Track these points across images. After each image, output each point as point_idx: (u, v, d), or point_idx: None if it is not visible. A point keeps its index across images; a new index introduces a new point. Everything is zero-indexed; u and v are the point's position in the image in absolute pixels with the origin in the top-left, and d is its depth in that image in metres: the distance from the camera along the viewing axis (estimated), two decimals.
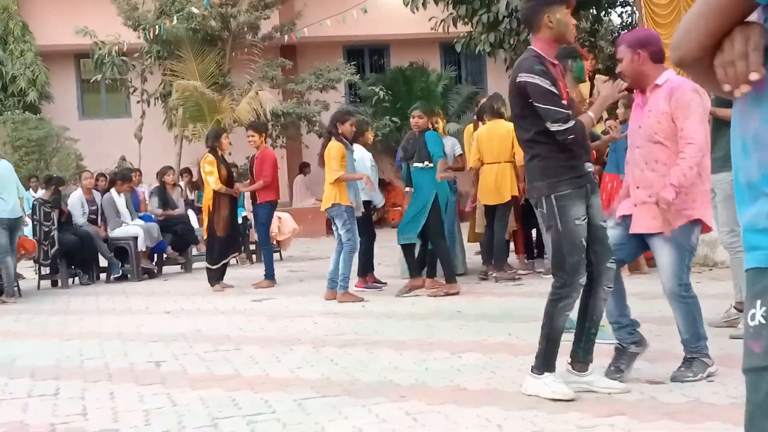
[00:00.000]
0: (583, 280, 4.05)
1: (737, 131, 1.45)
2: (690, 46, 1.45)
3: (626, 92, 4.47)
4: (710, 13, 1.41)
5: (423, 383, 4.56)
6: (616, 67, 4.52)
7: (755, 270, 1.39)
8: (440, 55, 20.90)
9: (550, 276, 4.23)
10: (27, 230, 10.90)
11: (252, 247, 12.38)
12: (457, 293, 7.79)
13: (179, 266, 11.93)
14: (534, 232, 9.13)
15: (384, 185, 16.46)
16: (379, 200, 8.94)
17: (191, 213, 12.41)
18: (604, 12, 15.38)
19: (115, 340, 6.51)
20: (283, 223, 12.02)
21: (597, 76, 10.98)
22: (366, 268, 8.72)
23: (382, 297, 8.08)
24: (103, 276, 11.13)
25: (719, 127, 5.18)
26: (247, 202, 11.62)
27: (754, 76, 1.35)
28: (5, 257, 9.15)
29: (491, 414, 3.86)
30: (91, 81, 18.52)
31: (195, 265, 11.73)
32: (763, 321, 1.35)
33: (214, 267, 9.37)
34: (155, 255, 11.56)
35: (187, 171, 14.77)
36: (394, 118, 17.54)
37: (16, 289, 9.58)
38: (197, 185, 13.27)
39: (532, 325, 4.72)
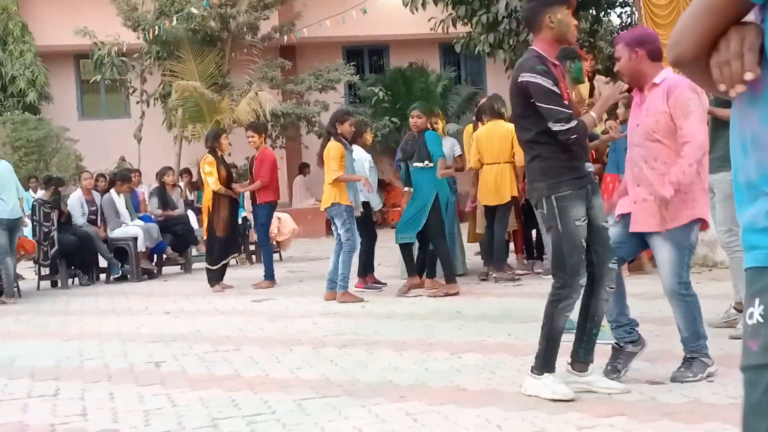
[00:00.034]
0: (583, 281, 4.05)
1: (736, 131, 1.46)
2: (686, 46, 1.45)
3: (627, 93, 4.47)
4: (706, 13, 1.42)
5: (423, 383, 4.56)
6: (624, 79, 4.52)
7: (754, 269, 1.40)
8: (440, 55, 20.90)
9: (550, 277, 4.23)
10: (27, 231, 10.89)
11: (252, 247, 12.38)
12: (456, 294, 7.79)
13: (179, 267, 11.93)
14: (534, 232, 9.14)
15: (384, 186, 16.46)
16: (376, 203, 8.92)
17: (191, 213, 12.41)
18: (603, 12, 15.38)
19: (114, 340, 6.51)
20: (282, 223, 12.02)
21: (597, 76, 10.99)
22: (366, 268, 8.72)
23: (382, 297, 8.08)
24: (102, 276, 11.13)
25: (718, 127, 5.19)
26: (247, 202, 11.62)
27: (748, 76, 1.36)
28: (5, 258, 9.15)
29: (491, 414, 3.86)
30: (91, 81, 18.52)
31: (195, 265, 11.73)
32: (761, 319, 1.35)
33: (214, 267, 9.37)
34: (155, 255, 11.56)
35: (187, 171, 14.78)
36: (394, 119, 17.54)
37: (15, 289, 9.58)
38: (197, 186, 13.28)
39: (532, 326, 4.72)
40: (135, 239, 10.85)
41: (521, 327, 5.91)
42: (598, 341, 4.26)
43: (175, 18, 16.55)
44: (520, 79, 4.00)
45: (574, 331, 4.24)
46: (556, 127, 3.93)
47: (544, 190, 4.02)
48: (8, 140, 16.76)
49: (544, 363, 4.06)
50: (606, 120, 6.64)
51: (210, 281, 9.39)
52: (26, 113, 17.57)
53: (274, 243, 11.44)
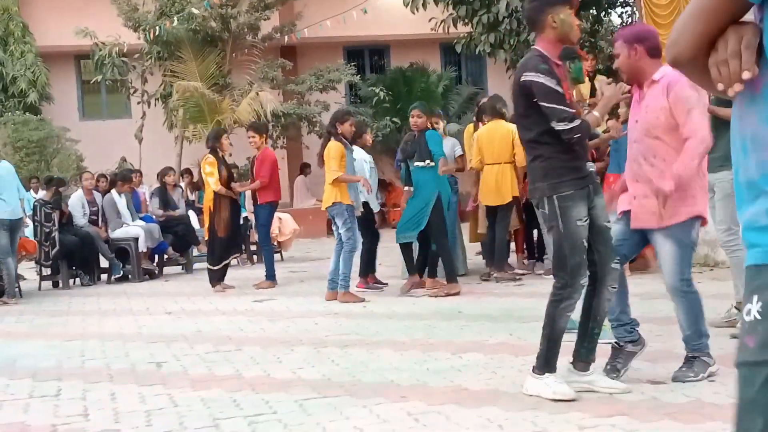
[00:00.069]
0: (584, 281, 4.05)
1: (736, 131, 1.46)
2: (684, 46, 1.46)
3: (628, 93, 4.46)
4: (704, 13, 1.42)
5: (424, 383, 4.56)
6: (623, 77, 4.52)
7: (754, 267, 1.40)
8: (440, 55, 20.90)
9: (551, 277, 4.23)
10: (28, 231, 10.91)
11: (253, 247, 12.39)
12: (458, 293, 7.79)
13: (180, 267, 11.94)
14: (535, 232, 9.14)
15: (385, 186, 16.46)
16: (374, 205, 8.87)
17: (192, 214, 12.42)
18: (604, 12, 15.37)
19: (116, 340, 6.52)
20: (283, 224, 12.02)
21: (598, 76, 10.99)
22: (367, 268, 8.72)
23: (383, 297, 8.08)
24: (104, 277, 11.13)
25: (718, 126, 5.18)
26: (248, 203, 11.62)
27: (746, 75, 1.36)
28: (6, 258, 9.16)
29: (492, 414, 3.86)
30: (92, 82, 18.53)
31: (196, 265, 11.74)
32: (758, 317, 1.36)
33: (215, 268, 9.37)
34: (156, 256, 11.57)
35: (188, 172, 14.78)
36: (395, 119, 17.54)
37: (17, 290, 9.58)
38: (198, 186, 13.28)
39: (533, 326, 4.72)
40: (136, 239, 10.86)
41: (522, 327, 5.91)
42: (599, 340, 4.26)
43: (175, 18, 16.55)
44: (522, 79, 4.00)
45: (576, 330, 4.24)
46: (559, 126, 3.92)
47: (546, 189, 4.02)
48: (9, 141, 16.77)
49: (546, 363, 4.06)
50: (607, 120, 6.65)
51: (211, 281, 9.39)
52: (27, 114, 17.58)
53: (275, 243, 11.45)
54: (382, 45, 21.03)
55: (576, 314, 4.19)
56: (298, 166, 18.61)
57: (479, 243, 9.54)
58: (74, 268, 10.78)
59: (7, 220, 9.10)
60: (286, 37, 18.35)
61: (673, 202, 4.16)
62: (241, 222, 11.09)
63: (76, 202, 11.00)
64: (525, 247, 9.43)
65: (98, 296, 9.60)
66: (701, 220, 4.31)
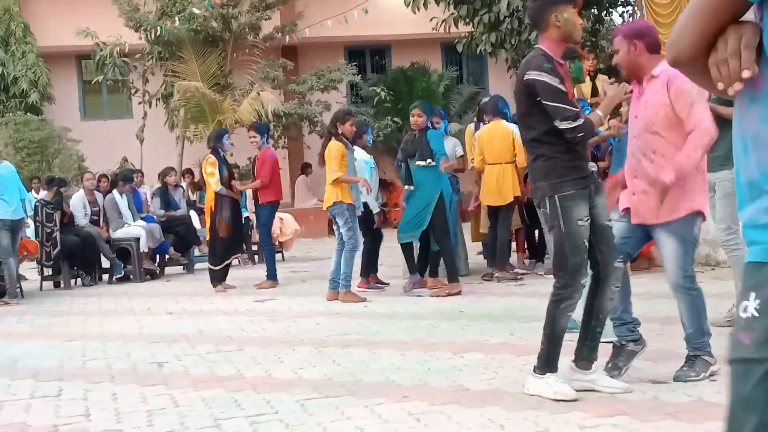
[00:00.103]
0: (584, 280, 4.05)
1: (737, 131, 1.47)
2: (684, 46, 1.46)
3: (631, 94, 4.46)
4: (703, 12, 1.43)
5: (425, 383, 4.56)
6: (622, 73, 4.51)
7: (752, 264, 1.41)
8: (441, 55, 20.89)
9: (552, 276, 4.23)
10: (29, 231, 10.92)
11: (254, 247, 12.39)
12: (459, 293, 7.79)
13: (181, 267, 11.94)
14: (536, 232, 9.13)
15: (386, 186, 16.46)
16: (374, 206, 8.83)
17: (193, 214, 12.42)
18: (605, 12, 15.36)
19: (117, 340, 6.52)
20: (284, 224, 12.02)
21: (599, 75, 10.99)
22: (368, 268, 8.72)
23: (385, 297, 8.08)
24: (105, 277, 11.14)
25: (719, 125, 5.17)
26: (249, 203, 11.62)
27: (746, 74, 1.36)
28: (8, 259, 9.17)
29: (494, 414, 3.86)
30: (93, 82, 18.54)
31: (197, 265, 11.75)
32: (755, 314, 1.37)
33: (217, 268, 9.37)
34: (157, 256, 11.57)
35: (189, 172, 14.78)
36: (396, 119, 17.54)
37: (18, 290, 9.59)
38: (199, 186, 13.29)
39: (535, 325, 4.72)
40: (137, 240, 10.86)
41: (524, 326, 5.91)
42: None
43: (177, 18, 16.56)
44: (526, 77, 3.99)
45: (577, 330, 4.24)
46: (563, 125, 3.92)
47: (547, 189, 4.01)
48: (11, 141, 16.78)
49: (547, 363, 4.06)
50: (609, 119, 6.65)
51: (212, 281, 9.39)
52: (28, 114, 17.60)
53: (277, 243, 11.45)
54: (383, 45, 21.03)
55: (577, 314, 4.18)
56: (299, 166, 18.61)
57: (480, 243, 9.53)
58: (75, 268, 10.79)
59: (9, 221, 9.11)
60: (287, 36, 18.35)
61: (673, 197, 4.16)
62: (243, 222, 11.09)
63: (78, 202, 11.00)
64: (526, 246, 9.43)
65: (99, 296, 9.61)
66: (702, 216, 4.30)
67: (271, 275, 9.44)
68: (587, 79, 10.78)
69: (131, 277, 10.95)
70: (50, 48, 18.58)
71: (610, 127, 5.07)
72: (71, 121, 18.92)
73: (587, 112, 4.37)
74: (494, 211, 8.65)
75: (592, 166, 4.16)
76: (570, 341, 4.20)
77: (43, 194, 12.01)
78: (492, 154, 8.51)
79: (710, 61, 1.42)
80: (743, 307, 1.39)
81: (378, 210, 8.71)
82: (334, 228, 8.28)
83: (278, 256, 11.44)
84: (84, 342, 6.54)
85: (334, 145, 7.99)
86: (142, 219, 11.40)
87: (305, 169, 18.09)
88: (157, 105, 18.07)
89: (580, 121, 3.92)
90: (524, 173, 8.25)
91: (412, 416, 3.92)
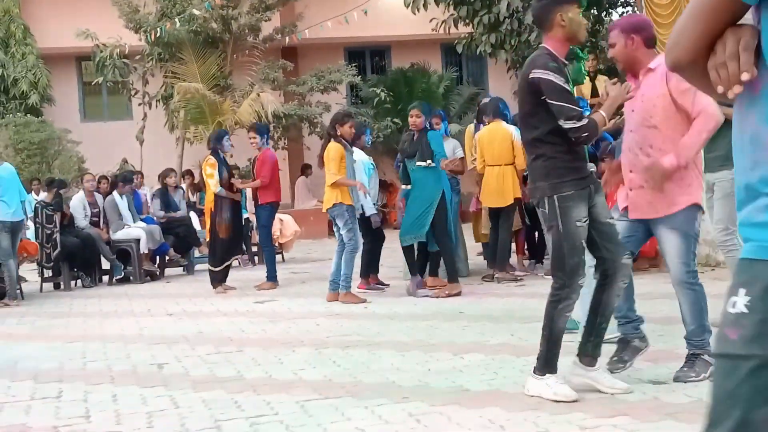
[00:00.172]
0: (582, 281, 4.05)
1: (737, 133, 1.47)
2: (683, 50, 1.46)
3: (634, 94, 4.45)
4: (701, 15, 1.43)
5: (425, 384, 4.56)
6: (618, 67, 4.51)
7: (745, 260, 1.42)
8: (441, 56, 20.90)
9: (551, 277, 4.23)
10: (29, 233, 10.92)
11: (254, 248, 12.38)
12: (459, 294, 7.78)
13: (181, 268, 11.94)
14: (536, 233, 9.13)
15: (386, 187, 16.46)
16: (369, 208, 8.78)
17: (193, 215, 12.42)
18: (605, 12, 15.36)
19: (117, 342, 6.52)
20: (284, 225, 12.02)
21: (598, 76, 10.98)
22: (368, 269, 8.72)
23: (385, 298, 8.07)
24: (105, 278, 11.14)
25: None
26: (249, 204, 11.62)
27: (745, 76, 1.37)
28: (8, 260, 9.17)
29: (494, 415, 3.86)
30: (93, 83, 18.53)
31: (197, 267, 11.74)
32: (744, 310, 1.38)
33: (217, 269, 9.37)
34: (157, 257, 11.57)
35: (189, 173, 14.78)
36: (396, 120, 17.55)
37: (18, 292, 9.59)
38: (199, 187, 13.28)
39: (535, 326, 4.71)
40: (137, 241, 10.86)
41: (524, 327, 5.90)
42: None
43: (176, 20, 16.56)
44: (531, 76, 3.97)
45: (576, 331, 4.24)
46: (567, 124, 3.90)
47: (547, 189, 4.01)
48: (10, 142, 16.78)
49: (546, 364, 4.05)
50: (610, 120, 6.64)
51: (213, 283, 9.39)
52: (28, 115, 17.59)
53: (277, 244, 11.44)
54: (383, 46, 21.03)
55: (576, 314, 4.18)
56: (299, 167, 18.61)
57: (480, 243, 9.53)
58: (75, 269, 10.79)
59: (9, 222, 9.10)
60: (287, 38, 18.35)
61: (671, 192, 4.17)
62: (243, 223, 11.09)
63: (78, 203, 11.00)
64: (527, 248, 9.43)
65: (99, 298, 9.61)
66: (701, 210, 4.30)
67: (271, 276, 9.44)
68: (587, 80, 10.77)
69: (131, 278, 10.95)
70: (50, 49, 18.58)
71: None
72: (71, 122, 18.92)
73: (587, 112, 4.37)
74: (495, 213, 8.65)
75: (591, 167, 4.15)
76: (570, 342, 4.20)
77: (43, 196, 12.01)
78: (492, 155, 8.51)
79: (709, 65, 1.42)
80: (732, 302, 1.40)
81: (374, 212, 8.65)
82: (335, 229, 8.27)
83: (278, 257, 11.44)
84: (84, 343, 6.54)
85: (333, 147, 7.99)
86: (142, 220, 11.40)
87: (305, 170, 18.10)
88: (157, 106, 18.07)
89: (585, 122, 3.91)
90: (523, 175, 8.25)
91: (413, 417, 3.92)
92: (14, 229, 9.27)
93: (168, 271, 11.75)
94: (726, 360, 1.39)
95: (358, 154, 8.56)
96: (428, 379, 4.65)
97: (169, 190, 12.11)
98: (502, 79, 17.69)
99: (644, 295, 6.36)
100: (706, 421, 1.42)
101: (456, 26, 13.81)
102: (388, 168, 16.53)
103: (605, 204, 4.19)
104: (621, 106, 4.31)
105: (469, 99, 19.12)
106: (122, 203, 11.09)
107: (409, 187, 8.07)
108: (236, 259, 10.37)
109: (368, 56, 21.39)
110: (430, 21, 14.13)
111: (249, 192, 11.06)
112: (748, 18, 1.42)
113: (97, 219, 11.05)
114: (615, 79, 8.66)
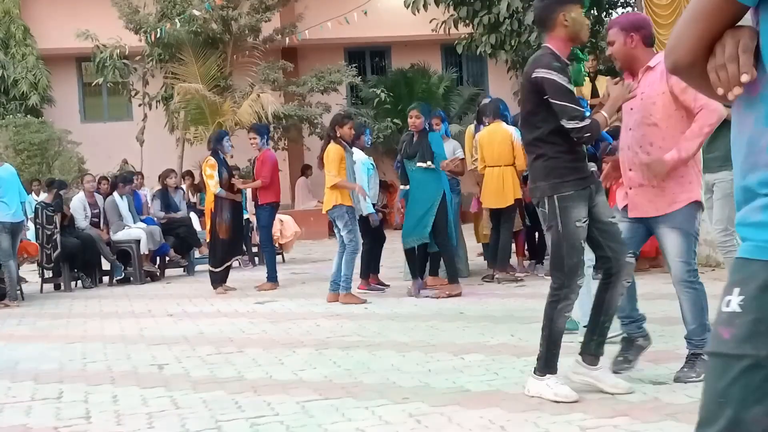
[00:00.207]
0: (581, 281, 4.05)
1: (736, 134, 1.48)
2: (683, 52, 1.47)
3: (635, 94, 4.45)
4: (700, 18, 1.43)
5: (426, 385, 4.56)
6: (616, 66, 4.51)
7: (741, 260, 1.43)
8: (441, 56, 20.90)
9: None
10: (29, 234, 10.92)
11: (254, 249, 12.39)
12: (459, 294, 7.79)
13: (182, 269, 11.94)
14: (537, 234, 9.13)
15: (386, 187, 16.47)
16: (365, 208, 8.76)
17: (193, 216, 12.42)
18: (605, 13, 15.37)
19: (118, 343, 6.52)
20: (285, 226, 12.02)
21: (598, 76, 10.98)
22: (368, 269, 8.72)
23: (385, 299, 8.08)
24: (105, 279, 11.14)
25: (719, 126, 5.18)
26: (250, 204, 11.63)
27: (744, 78, 1.37)
28: (8, 261, 9.17)
29: (494, 415, 3.86)
30: (93, 84, 18.52)
31: (197, 267, 11.74)
32: (738, 309, 1.38)
33: (217, 270, 9.37)
34: (158, 258, 11.58)
35: (189, 174, 14.79)
36: (396, 120, 17.55)
37: (18, 292, 9.60)
38: (199, 188, 13.29)
39: (535, 326, 4.71)
40: (138, 242, 10.86)
41: (524, 328, 5.90)
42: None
43: (177, 20, 16.56)
44: (534, 75, 3.96)
45: (575, 331, 4.24)
46: (570, 124, 3.90)
47: (547, 189, 4.01)
48: (11, 143, 16.79)
49: (546, 364, 4.05)
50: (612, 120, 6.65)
51: (213, 283, 9.39)
52: (28, 116, 17.60)
53: (277, 245, 11.45)
54: (383, 46, 21.04)
55: (575, 314, 4.18)
56: (299, 168, 18.62)
57: (480, 244, 9.53)
58: (76, 270, 10.80)
59: (9, 223, 9.10)
60: (287, 38, 18.36)
61: (671, 190, 4.17)
62: (243, 224, 11.09)
63: (78, 204, 11.01)
64: (527, 248, 9.43)
65: (100, 298, 9.61)
66: (701, 208, 4.30)
67: (272, 277, 9.44)
68: (587, 80, 10.78)
69: (131, 279, 10.96)
70: (50, 50, 18.59)
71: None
72: (71, 123, 18.93)
73: (587, 113, 4.37)
74: (496, 213, 8.65)
75: (592, 167, 4.15)
76: (569, 342, 4.20)
77: (44, 196, 12.01)
78: (492, 156, 8.52)
79: (708, 67, 1.43)
80: (726, 301, 1.40)
81: (371, 212, 8.61)
82: (335, 230, 8.27)
83: (278, 257, 11.44)
84: (84, 344, 6.54)
85: (333, 148, 7.98)
86: (142, 221, 11.40)
87: (305, 170, 18.10)
88: (157, 107, 18.08)
89: (587, 122, 3.91)
90: (523, 176, 8.25)
91: (413, 417, 3.92)
92: (14, 230, 9.27)
93: (168, 271, 11.75)
94: (719, 359, 1.40)
95: (358, 154, 8.56)
96: (429, 380, 4.65)
97: (170, 191, 12.11)
98: (502, 79, 17.71)
99: (644, 295, 6.35)
100: (698, 420, 1.42)
101: (456, 27, 13.82)
102: (388, 168, 16.54)
103: (607, 203, 4.19)
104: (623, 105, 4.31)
105: (469, 100, 19.13)
106: (122, 204, 11.09)
107: (407, 187, 8.07)
108: (236, 259, 10.37)
109: (368, 57, 21.40)
110: (430, 21, 14.14)
111: (249, 192, 11.07)
112: (748, 19, 1.43)
113: (97, 220, 11.06)
114: (617, 78, 8.67)
